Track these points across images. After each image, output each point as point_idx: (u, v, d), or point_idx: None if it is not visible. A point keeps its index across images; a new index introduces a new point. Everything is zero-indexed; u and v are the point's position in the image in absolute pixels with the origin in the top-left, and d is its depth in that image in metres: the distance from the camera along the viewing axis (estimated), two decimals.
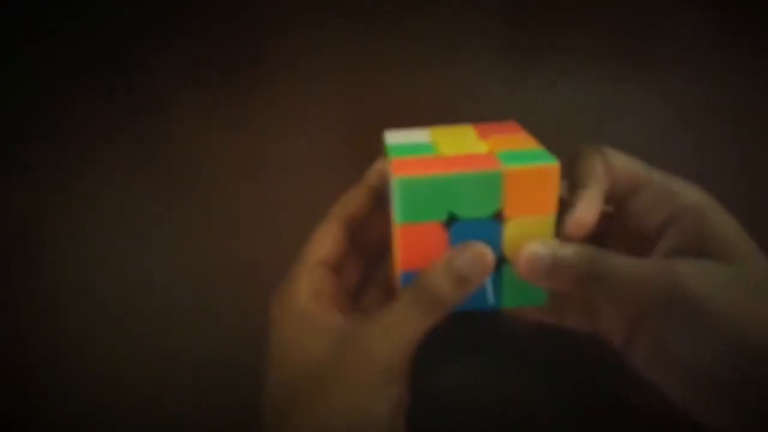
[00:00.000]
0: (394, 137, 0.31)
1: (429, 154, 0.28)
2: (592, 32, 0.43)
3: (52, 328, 0.41)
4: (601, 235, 0.30)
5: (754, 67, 0.41)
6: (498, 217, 0.27)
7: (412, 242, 0.27)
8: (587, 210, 0.27)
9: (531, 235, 0.27)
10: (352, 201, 0.32)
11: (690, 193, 0.28)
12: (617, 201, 0.30)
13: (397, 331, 0.26)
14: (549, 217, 0.27)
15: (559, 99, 0.42)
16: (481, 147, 0.28)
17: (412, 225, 0.27)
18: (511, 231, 0.27)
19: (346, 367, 0.26)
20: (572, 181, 0.29)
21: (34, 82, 0.46)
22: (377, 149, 0.32)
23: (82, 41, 0.46)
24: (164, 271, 0.42)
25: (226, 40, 0.46)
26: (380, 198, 0.32)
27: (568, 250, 0.27)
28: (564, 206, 0.28)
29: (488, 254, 0.26)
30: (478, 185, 0.26)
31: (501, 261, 0.28)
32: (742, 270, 0.26)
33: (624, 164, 0.29)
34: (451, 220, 0.27)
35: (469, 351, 0.38)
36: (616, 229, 0.30)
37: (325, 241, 0.31)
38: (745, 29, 0.42)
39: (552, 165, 0.25)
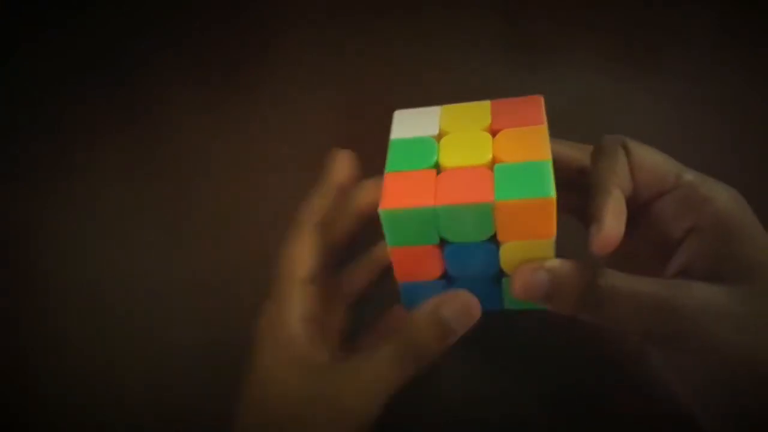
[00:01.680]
0: (400, 126, 0.30)
1: (427, 166, 0.27)
2: (592, 32, 0.43)
3: (52, 327, 0.41)
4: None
5: (754, 67, 0.41)
6: (493, 241, 0.26)
7: (405, 260, 0.27)
8: (614, 225, 0.25)
9: (530, 255, 0.25)
10: (321, 203, 0.31)
11: (720, 200, 0.26)
12: (641, 203, 0.28)
13: (374, 385, 0.25)
14: (548, 241, 0.25)
15: (559, 98, 0.42)
16: (485, 152, 0.26)
17: (405, 247, 0.26)
18: (508, 252, 0.26)
19: (317, 416, 0.25)
20: (593, 180, 0.27)
21: (34, 82, 0.46)
22: (378, 149, 0.32)
23: (82, 41, 0.46)
24: (164, 270, 0.42)
25: (226, 40, 0.46)
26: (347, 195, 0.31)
27: (567, 274, 0.25)
28: (586, 214, 0.27)
29: (475, 306, 0.26)
30: (469, 216, 0.25)
31: (501, 274, 0.27)
32: (754, 295, 0.24)
33: (651, 163, 0.27)
34: (444, 242, 0.26)
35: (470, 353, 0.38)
36: (635, 232, 0.28)
37: (305, 254, 0.29)
38: (745, 29, 0.42)
39: (547, 199, 0.24)
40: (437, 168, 0.27)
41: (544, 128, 0.27)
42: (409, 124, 0.30)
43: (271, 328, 0.28)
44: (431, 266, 0.27)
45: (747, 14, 0.42)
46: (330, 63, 0.45)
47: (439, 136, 0.28)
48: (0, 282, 0.42)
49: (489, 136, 0.28)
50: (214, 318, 0.40)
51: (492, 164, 0.26)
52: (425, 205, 0.25)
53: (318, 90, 0.44)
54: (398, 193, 0.26)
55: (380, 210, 0.25)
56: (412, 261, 0.27)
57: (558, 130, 0.31)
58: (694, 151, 0.33)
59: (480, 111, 0.29)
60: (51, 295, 0.42)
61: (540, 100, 0.29)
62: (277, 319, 0.28)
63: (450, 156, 0.27)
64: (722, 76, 0.41)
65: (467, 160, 0.26)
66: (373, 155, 0.33)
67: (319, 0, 0.45)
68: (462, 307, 0.26)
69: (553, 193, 0.24)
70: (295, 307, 0.28)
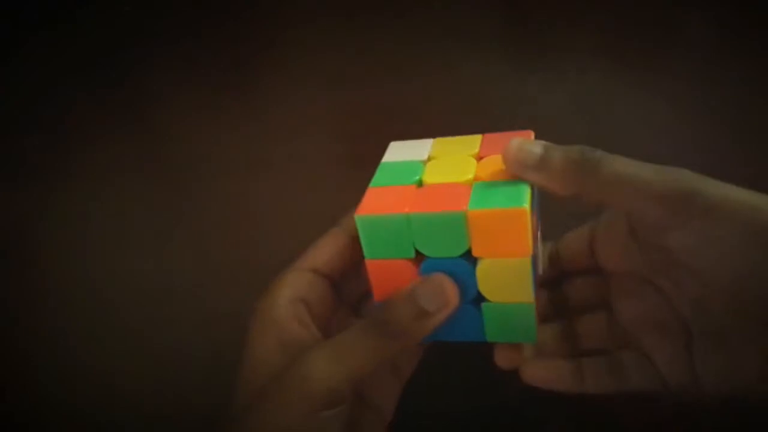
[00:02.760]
0: (392, 152, 0.30)
1: (409, 182, 0.27)
2: (592, 32, 0.43)
3: (51, 327, 0.41)
4: None
5: (754, 67, 0.41)
6: (468, 257, 0.25)
7: (382, 276, 0.27)
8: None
9: (507, 277, 0.25)
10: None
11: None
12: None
13: (343, 358, 0.25)
14: (524, 260, 0.24)
15: (559, 98, 0.42)
16: (467, 173, 0.27)
17: (381, 260, 0.26)
18: (484, 272, 0.25)
19: (284, 390, 0.25)
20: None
21: (34, 82, 0.46)
22: (378, 149, 0.32)
23: (82, 41, 0.46)
24: (163, 269, 0.42)
25: (227, 41, 0.46)
26: None
27: (559, 149, 0.25)
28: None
29: (450, 288, 0.25)
30: (442, 225, 0.25)
31: (479, 299, 0.26)
32: None
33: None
34: (420, 257, 0.26)
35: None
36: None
37: (325, 250, 0.29)
38: (745, 29, 0.42)
39: (519, 209, 0.23)
40: (420, 185, 0.27)
41: None
42: (401, 151, 0.30)
43: (262, 305, 0.28)
44: (407, 284, 0.26)
45: (747, 14, 0.42)
46: (330, 63, 0.45)
47: (427, 162, 0.29)
48: (0, 282, 0.42)
49: (473, 160, 0.28)
50: (214, 318, 0.40)
51: (472, 183, 0.26)
52: (399, 212, 0.25)
53: (318, 90, 0.44)
54: (376, 203, 0.26)
55: (356, 216, 0.26)
56: (389, 277, 0.27)
57: (558, 129, 0.31)
58: (694, 151, 0.33)
59: (471, 141, 0.30)
60: (51, 295, 0.42)
61: (530, 134, 0.29)
62: (268, 297, 0.28)
63: (433, 175, 0.27)
64: (722, 76, 0.41)
65: (449, 178, 0.27)
66: (372, 155, 0.33)
67: (320, 1, 0.45)
68: (435, 287, 0.25)
69: (525, 204, 0.24)
70: (286, 288, 0.28)
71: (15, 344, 0.41)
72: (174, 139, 0.44)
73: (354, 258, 0.29)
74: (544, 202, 0.30)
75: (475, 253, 0.25)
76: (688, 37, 0.42)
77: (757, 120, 0.40)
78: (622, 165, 0.24)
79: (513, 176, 0.26)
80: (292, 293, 0.28)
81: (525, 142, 0.26)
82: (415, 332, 0.25)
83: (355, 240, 0.28)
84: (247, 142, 0.44)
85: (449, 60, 0.44)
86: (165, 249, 0.42)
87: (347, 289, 0.31)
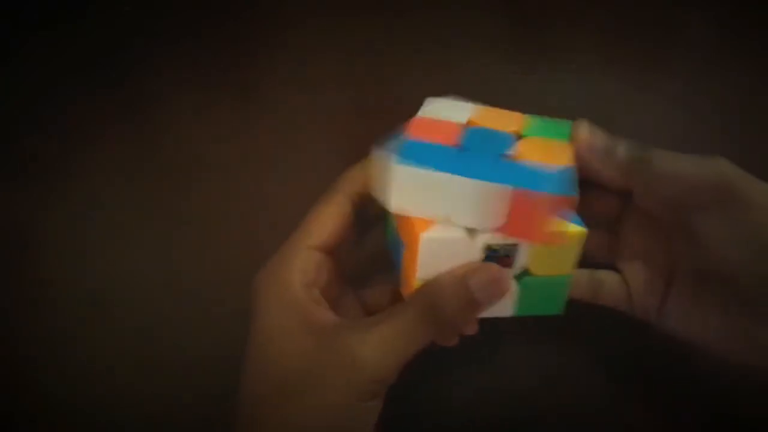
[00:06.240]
0: (429, 107, 0.31)
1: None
2: (593, 32, 0.43)
3: (51, 327, 0.41)
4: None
5: (756, 67, 0.41)
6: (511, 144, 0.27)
7: (425, 130, 0.27)
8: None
9: (556, 250, 0.25)
10: (361, 175, 0.29)
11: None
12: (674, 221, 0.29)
13: (394, 344, 0.24)
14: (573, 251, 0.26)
15: (559, 98, 0.42)
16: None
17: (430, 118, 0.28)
18: (534, 249, 0.25)
19: (331, 375, 0.24)
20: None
21: (34, 81, 0.46)
22: (375, 146, 0.32)
23: (82, 41, 0.46)
24: (164, 270, 0.42)
25: (226, 40, 0.45)
26: None
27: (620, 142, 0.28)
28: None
29: (505, 279, 0.25)
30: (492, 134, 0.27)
31: (524, 274, 0.26)
32: None
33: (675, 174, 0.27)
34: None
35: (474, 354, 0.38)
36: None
37: (328, 223, 0.29)
38: (747, 29, 0.42)
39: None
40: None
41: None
42: (440, 108, 0.31)
43: (275, 290, 0.27)
44: (447, 138, 0.27)
45: (747, 14, 0.42)
46: (330, 63, 0.45)
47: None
48: (0, 282, 0.42)
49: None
50: (214, 318, 0.40)
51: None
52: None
53: (318, 91, 0.44)
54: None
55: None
56: (432, 132, 0.27)
57: None
58: (694, 151, 0.33)
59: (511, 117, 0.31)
60: (51, 295, 0.42)
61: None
62: (281, 282, 0.27)
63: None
64: (724, 75, 0.41)
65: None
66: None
67: (320, 1, 0.45)
68: (490, 279, 0.24)
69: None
70: (297, 273, 0.27)
71: (15, 344, 0.40)
72: (174, 139, 0.44)
73: (355, 228, 0.29)
74: None
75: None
76: (688, 37, 0.42)
77: (757, 120, 0.40)
78: (669, 161, 0.26)
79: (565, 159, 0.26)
80: (304, 278, 0.27)
81: (595, 129, 0.28)
82: (461, 320, 0.25)
83: (355, 206, 0.28)
84: (247, 142, 0.44)
85: (449, 60, 0.44)
86: (165, 249, 0.42)
87: (345, 259, 0.31)
